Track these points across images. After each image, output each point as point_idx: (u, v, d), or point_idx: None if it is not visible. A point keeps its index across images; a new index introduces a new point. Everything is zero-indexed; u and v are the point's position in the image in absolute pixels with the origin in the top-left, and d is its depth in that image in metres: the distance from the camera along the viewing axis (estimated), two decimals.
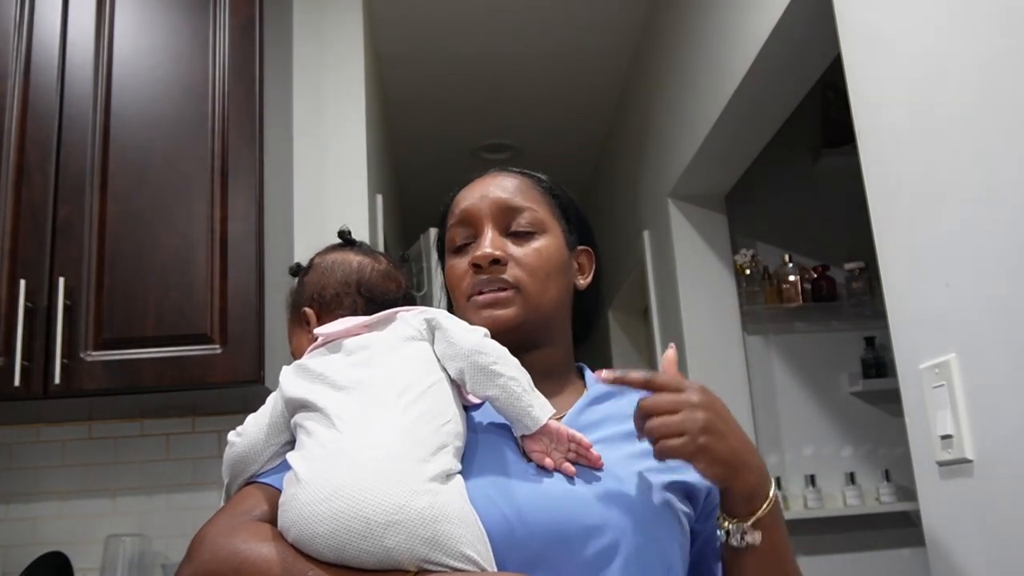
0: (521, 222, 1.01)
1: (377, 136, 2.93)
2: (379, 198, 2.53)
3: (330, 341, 0.93)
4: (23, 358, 1.68)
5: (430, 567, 0.73)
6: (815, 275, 3.01)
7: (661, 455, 0.83)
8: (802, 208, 3.14)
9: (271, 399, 0.93)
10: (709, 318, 2.83)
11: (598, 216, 4.35)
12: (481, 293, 0.98)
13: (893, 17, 1.39)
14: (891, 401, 2.87)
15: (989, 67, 1.16)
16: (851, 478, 2.88)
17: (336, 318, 1.00)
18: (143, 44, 1.91)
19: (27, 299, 1.71)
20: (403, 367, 0.88)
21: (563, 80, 3.48)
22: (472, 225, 1.02)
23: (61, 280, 1.73)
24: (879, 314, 2.28)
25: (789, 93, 2.26)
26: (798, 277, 2.98)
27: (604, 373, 0.87)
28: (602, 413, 0.97)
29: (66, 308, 1.72)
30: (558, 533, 0.82)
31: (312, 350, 0.94)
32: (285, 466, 0.86)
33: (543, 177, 1.08)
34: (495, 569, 0.77)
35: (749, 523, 0.85)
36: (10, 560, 2.00)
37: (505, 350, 0.90)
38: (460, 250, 1.04)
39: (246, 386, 1.75)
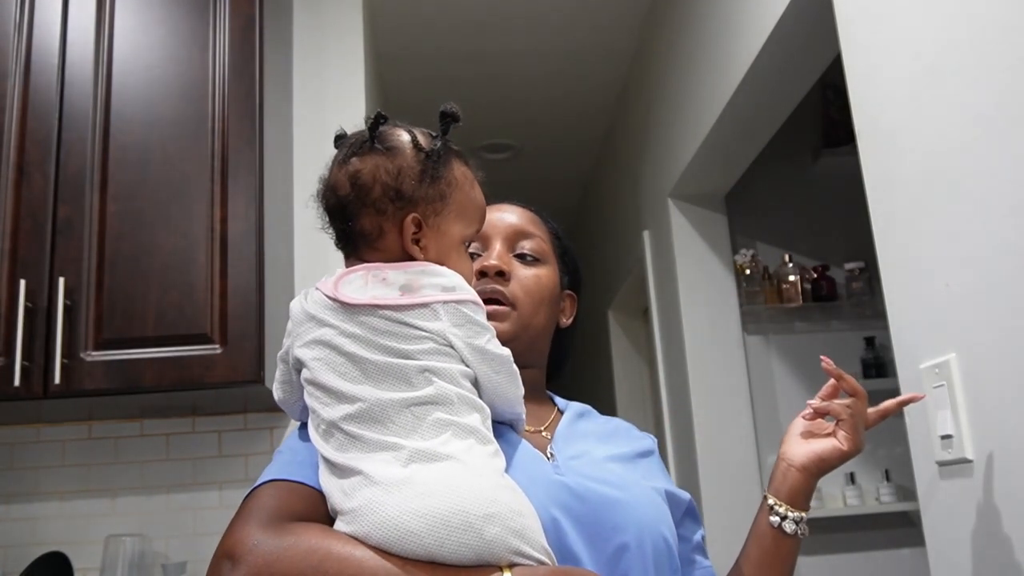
0: (527, 247, 1.09)
1: None
2: None
3: (363, 307, 0.83)
4: (23, 358, 1.68)
5: (520, 560, 0.74)
6: (815, 275, 3.01)
7: (858, 443, 1.06)
8: (802, 208, 3.14)
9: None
10: (709, 318, 2.82)
11: (598, 216, 4.35)
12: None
13: (893, 17, 1.39)
14: None
15: (989, 67, 1.16)
16: (851, 478, 2.88)
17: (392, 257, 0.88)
18: (143, 44, 1.91)
19: (27, 299, 1.71)
20: (436, 359, 0.83)
21: (563, 80, 3.48)
22: (483, 239, 1.08)
23: (61, 280, 1.73)
24: (879, 314, 2.28)
25: (789, 93, 2.26)
26: (798, 277, 2.98)
27: (827, 361, 1.09)
28: (583, 430, 1.05)
29: (66, 308, 1.72)
30: (591, 530, 0.86)
31: (337, 284, 0.84)
32: (301, 460, 0.84)
33: (551, 220, 1.16)
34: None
35: (807, 515, 1.01)
36: (10, 560, 2.00)
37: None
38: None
39: (246, 386, 1.75)
